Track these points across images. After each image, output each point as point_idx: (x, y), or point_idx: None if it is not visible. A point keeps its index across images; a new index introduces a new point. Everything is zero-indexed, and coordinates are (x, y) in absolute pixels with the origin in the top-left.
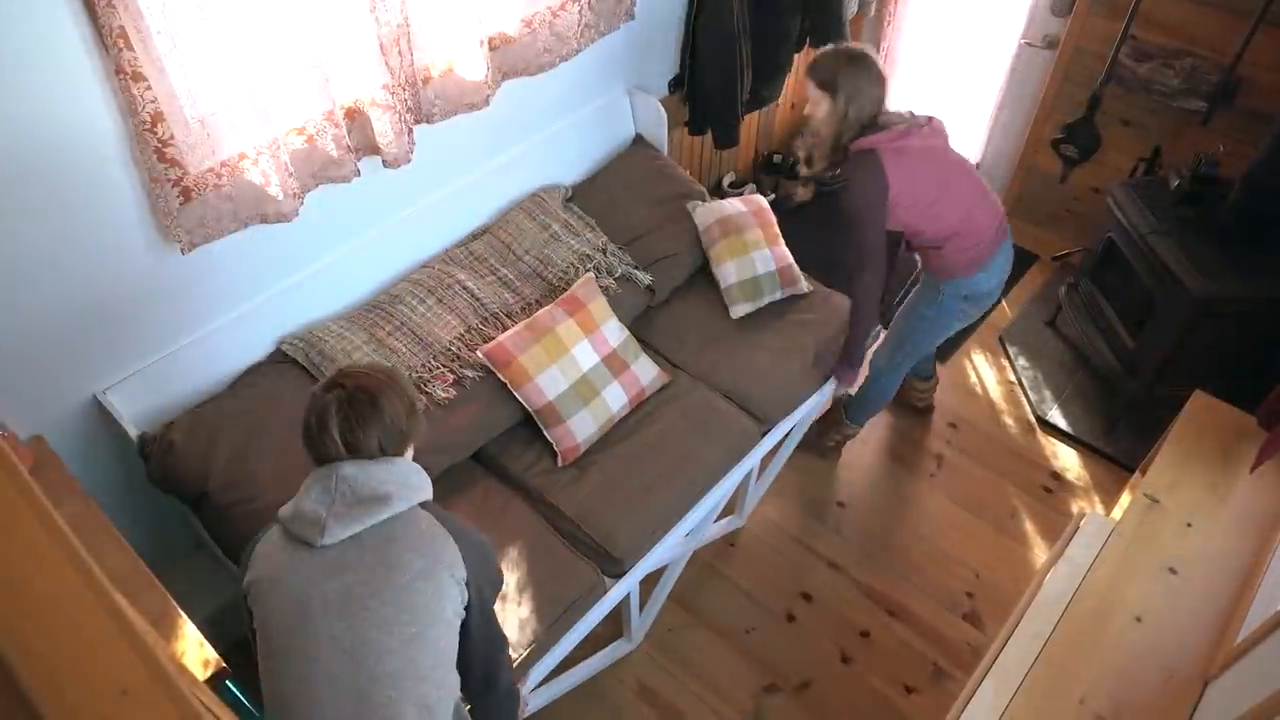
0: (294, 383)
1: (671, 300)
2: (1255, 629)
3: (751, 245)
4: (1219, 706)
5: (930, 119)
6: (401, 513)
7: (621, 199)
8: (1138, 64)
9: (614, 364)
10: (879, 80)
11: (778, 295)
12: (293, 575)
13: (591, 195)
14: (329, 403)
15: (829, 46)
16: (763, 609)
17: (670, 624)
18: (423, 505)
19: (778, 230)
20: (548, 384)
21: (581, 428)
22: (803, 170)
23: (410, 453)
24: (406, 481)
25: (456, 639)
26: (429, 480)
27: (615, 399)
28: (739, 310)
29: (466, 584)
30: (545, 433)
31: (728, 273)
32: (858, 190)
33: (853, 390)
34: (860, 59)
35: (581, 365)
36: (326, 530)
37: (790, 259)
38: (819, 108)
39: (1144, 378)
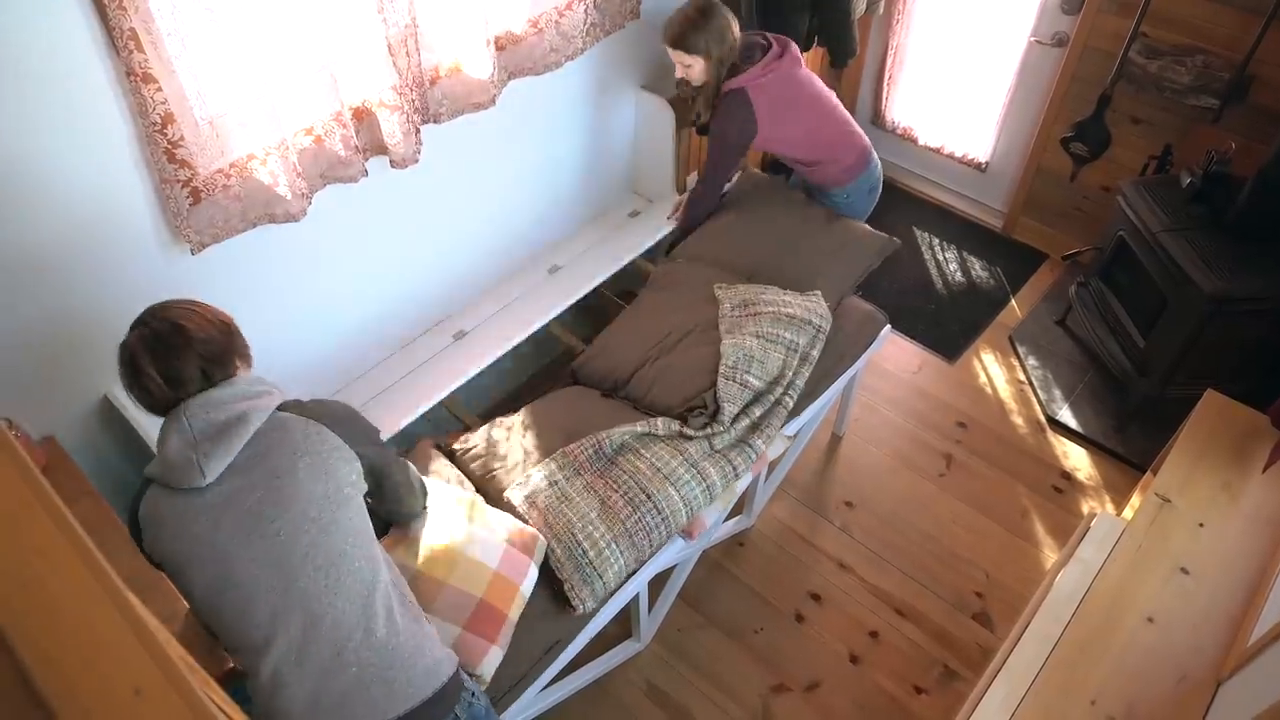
0: None
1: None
2: (1268, 630)
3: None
4: (1231, 708)
5: (784, 48)
6: (264, 423)
7: None
8: (1148, 61)
9: None
10: (731, 20)
11: None
12: (191, 525)
13: None
14: (134, 345)
15: (674, 12)
16: (771, 609)
17: (679, 624)
18: (280, 408)
19: None
20: None
21: None
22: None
23: (247, 369)
24: (251, 392)
25: (364, 509)
26: (274, 383)
27: None
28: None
29: (357, 456)
30: None
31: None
32: (725, 121)
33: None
34: (710, 9)
35: None
36: (205, 469)
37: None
38: (693, 70)
39: (1155, 377)
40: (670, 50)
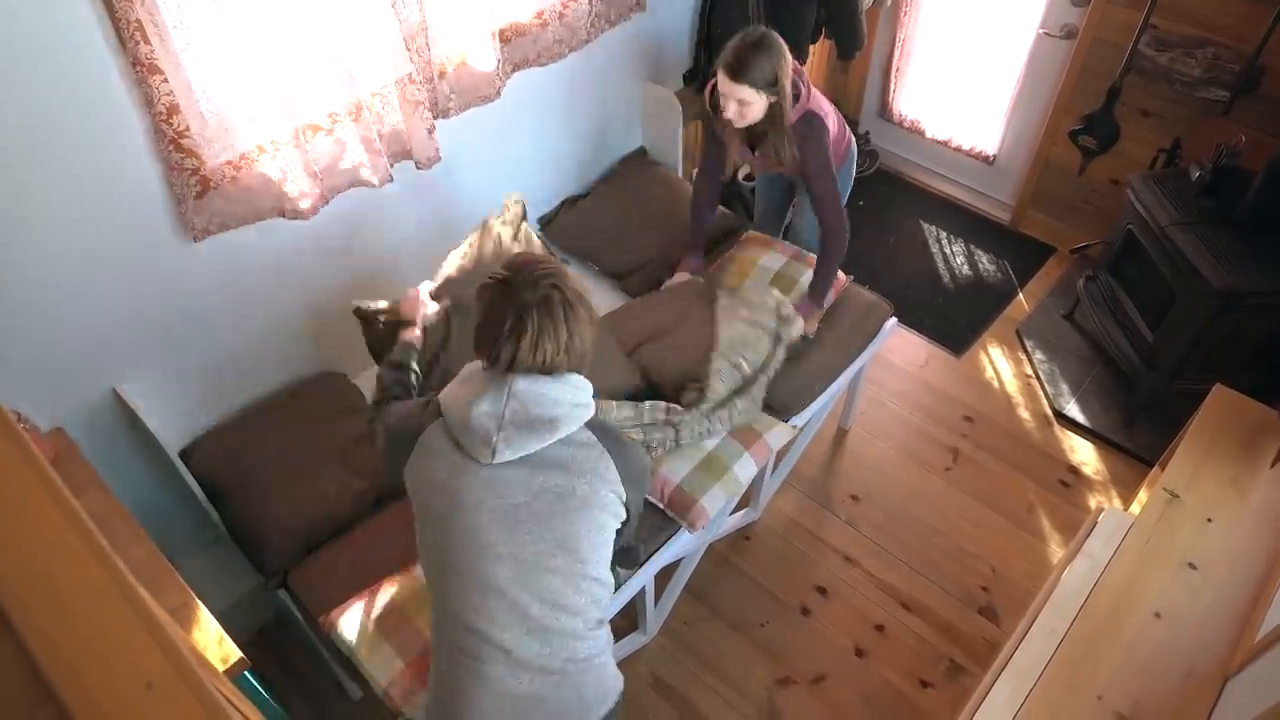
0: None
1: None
2: (1276, 626)
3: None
4: (1239, 703)
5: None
6: (567, 435)
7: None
8: (1158, 53)
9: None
10: (783, 49)
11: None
12: (458, 490)
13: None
14: (528, 307)
15: (731, 43)
16: (777, 602)
17: (685, 617)
18: (588, 423)
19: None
20: None
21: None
22: (781, 167)
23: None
24: (576, 400)
25: (610, 551)
26: (593, 394)
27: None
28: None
29: (626, 503)
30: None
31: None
32: (820, 148)
33: (810, 332)
34: (766, 41)
35: None
36: (496, 452)
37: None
38: (751, 108)
39: (1163, 371)
40: (732, 85)
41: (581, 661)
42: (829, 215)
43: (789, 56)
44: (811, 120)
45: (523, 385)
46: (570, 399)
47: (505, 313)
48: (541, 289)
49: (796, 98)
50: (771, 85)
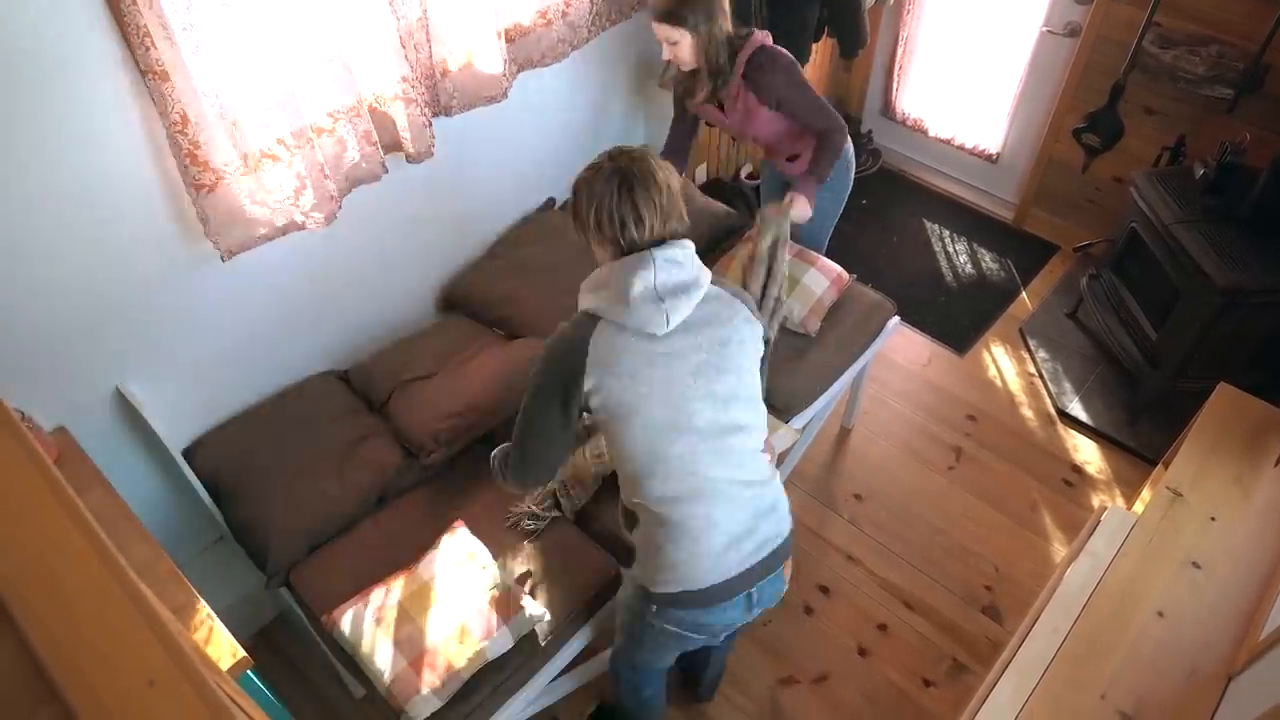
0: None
1: None
2: (1279, 625)
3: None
4: (1242, 703)
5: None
6: (711, 293)
7: None
8: (1162, 51)
9: None
10: (723, 2)
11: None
12: (647, 367)
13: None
14: (628, 182)
15: None
16: (780, 601)
17: None
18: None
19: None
20: None
21: None
22: (692, 105)
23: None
24: (698, 263)
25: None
26: None
27: None
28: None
29: (764, 336)
30: None
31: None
32: (787, 75)
33: (807, 214)
34: None
35: None
36: (670, 318)
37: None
38: (680, 48)
39: (1167, 370)
40: (656, 26)
41: (770, 476)
42: (817, 128)
43: (718, 12)
44: (764, 52)
45: (661, 257)
46: (695, 260)
47: (614, 196)
48: (623, 164)
49: (739, 41)
50: (693, 23)
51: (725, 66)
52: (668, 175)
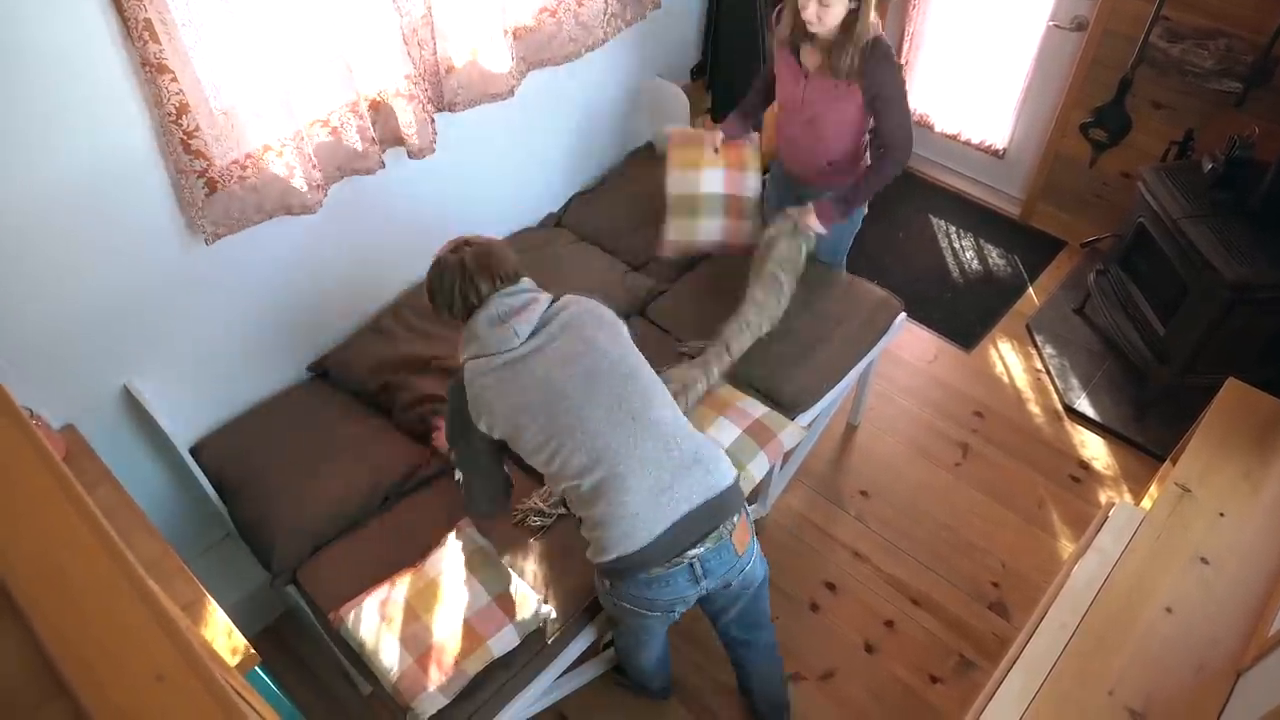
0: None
1: (699, 294)
2: None
3: (704, 163)
4: (1251, 698)
5: None
6: (552, 307)
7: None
8: (1170, 45)
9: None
10: None
11: (716, 225)
12: (520, 378)
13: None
14: (465, 260)
15: None
16: (786, 598)
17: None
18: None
19: (754, 164)
20: None
21: None
22: (841, 69)
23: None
24: (532, 289)
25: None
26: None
27: None
28: (669, 231)
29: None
30: None
31: (669, 183)
32: (892, 71)
33: (825, 229)
34: None
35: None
36: (518, 331)
37: (749, 191)
38: (832, 10)
39: (1175, 365)
40: None
41: (685, 433)
42: (895, 138)
43: None
44: (884, 43)
45: (494, 299)
46: (530, 285)
47: (452, 276)
48: (454, 255)
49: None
50: None
51: (858, 41)
52: (498, 245)
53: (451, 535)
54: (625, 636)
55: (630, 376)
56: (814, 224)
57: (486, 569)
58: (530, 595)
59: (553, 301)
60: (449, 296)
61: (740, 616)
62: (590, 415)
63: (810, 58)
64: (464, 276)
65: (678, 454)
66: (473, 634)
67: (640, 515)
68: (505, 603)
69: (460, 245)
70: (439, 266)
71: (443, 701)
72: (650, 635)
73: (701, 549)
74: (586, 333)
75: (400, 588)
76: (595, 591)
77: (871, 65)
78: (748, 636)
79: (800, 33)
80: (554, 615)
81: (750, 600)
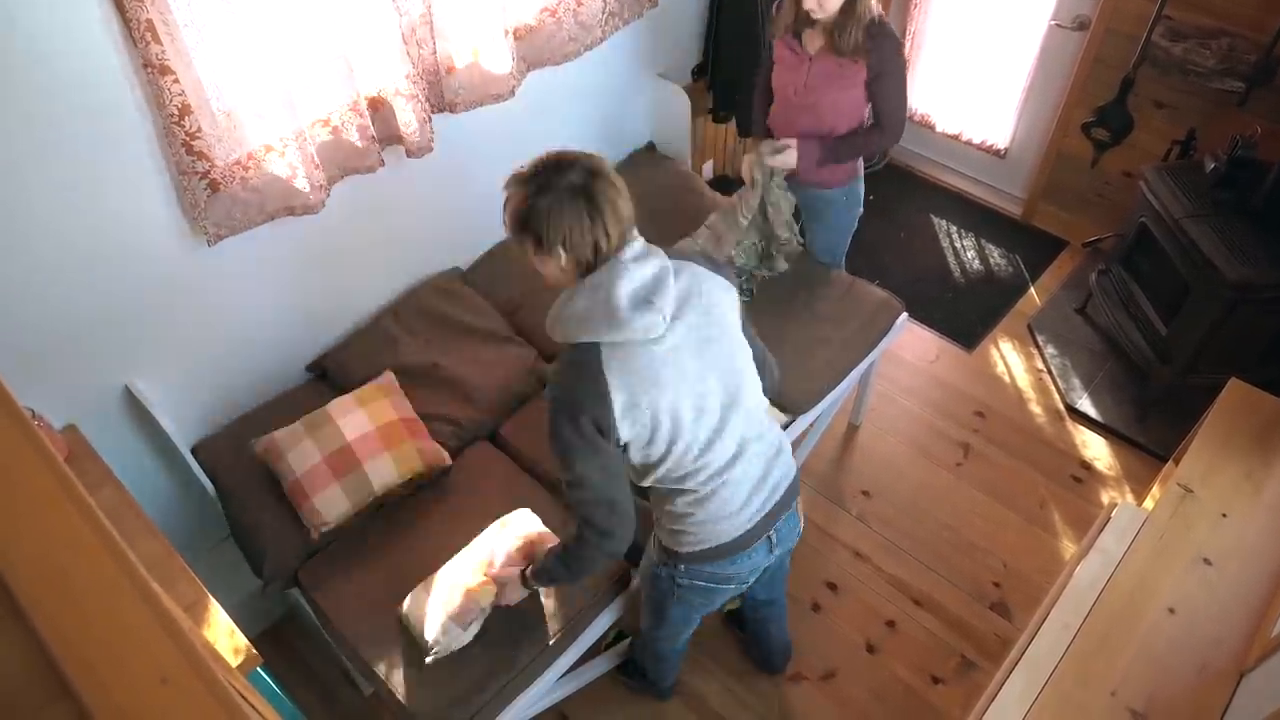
0: None
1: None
2: None
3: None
4: (1254, 699)
5: None
6: (676, 270)
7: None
8: (1172, 44)
9: None
10: None
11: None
12: (662, 371)
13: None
14: (600, 203)
15: None
16: (788, 598)
17: None
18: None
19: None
20: None
21: None
22: (845, 48)
23: None
24: (648, 245)
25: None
26: None
27: None
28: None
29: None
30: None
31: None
32: (895, 48)
33: (792, 164)
34: None
35: None
36: (665, 316)
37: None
38: None
39: (1178, 365)
40: None
41: (771, 420)
42: (891, 119)
43: None
44: (886, 22)
45: (627, 259)
46: (647, 244)
47: (584, 220)
48: (578, 180)
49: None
50: None
51: (860, 19)
52: (615, 177)
53: (509, 515)
54: (672, 623)
55: (743, 357)
56: (789, 159)
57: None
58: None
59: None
60: (576, 234)
61: (772, 578)
62: (714, 422)
63: (813, 41)
64: (594, 210)
65: (767, 443)
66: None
67: (741, 510)
68: (525, 551)
69: (566, 163)
70: (550, 192)
71: (465, 638)
72: (698, 616)
73: (779, 522)
74: (716, 312)
75: (454, 577)
76: (595, 592)
77: (877, 41)
78: (773, 595)
79: (803, 20)
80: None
81: (783, 561)
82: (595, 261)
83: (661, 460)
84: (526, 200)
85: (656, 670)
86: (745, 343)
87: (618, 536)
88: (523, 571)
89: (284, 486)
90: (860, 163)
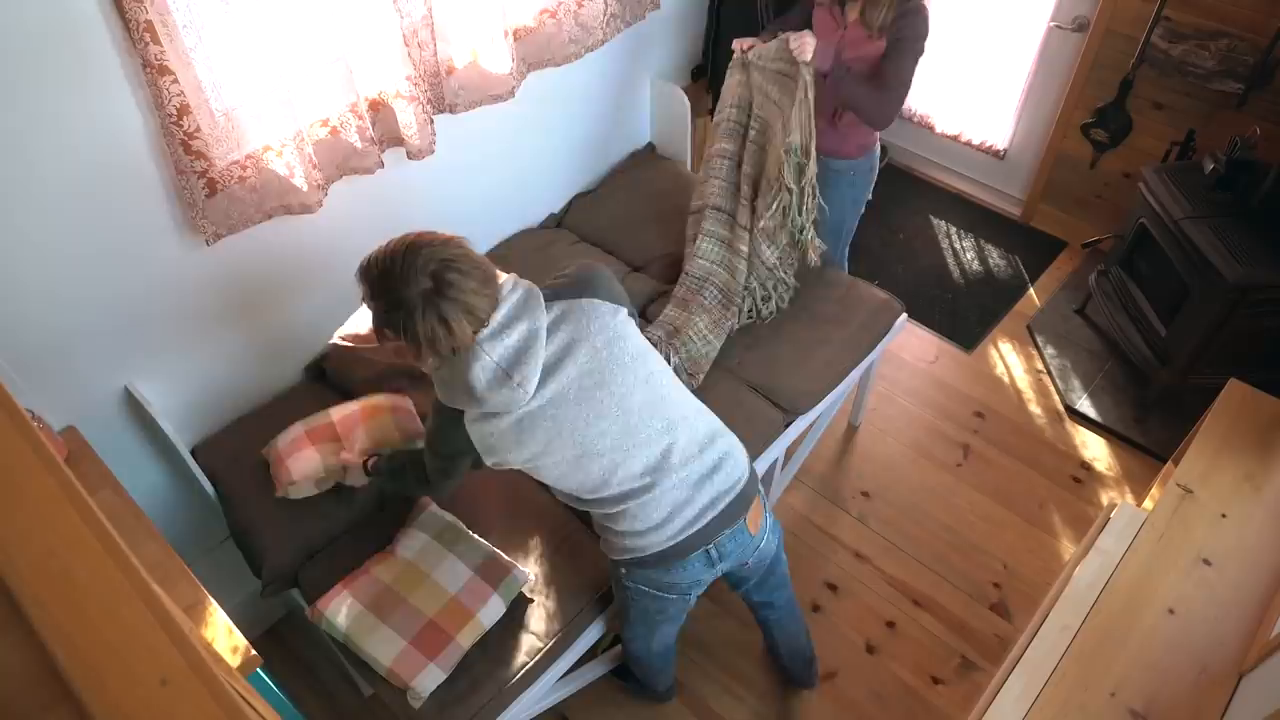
0: None
1: None
2: None
3: None
4: (1253, 700)
5: None
6: (557, 319)
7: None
8: (1171, 45)
9: None
10: None
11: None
12: (535, 433)
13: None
14: (422, 299)
15: None
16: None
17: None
18: (544, 295)
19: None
20: None
21: None
22: (874, 23)
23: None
24: (526, 300)
25: (652, 349)
26: (516, 278)
27: None
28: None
29: (627, 309)
30: None
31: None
32: (921, 30)
33: (807, 56)
34: None
35: None
36: (527, 388)
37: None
38: None
39: (1177, 366)
40: None
41: (708, 438)
42: (888, 79)
43: None
44: (921, 8)
45: (484, 340)
46: (514, 302)
47: (414, 314)
48: (425, 278)
49: None
50: None
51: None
52: (466, 259)
53: (420, 515)
54: (635, 624)
55: (649, 379)
56: (806, 48)
57: (459, 543)
58: (506, 562)
59: (545, 304)
60: (436, 343)
61: (760, 583)
62: (614, 457)
63: (852, 10)
64: (444, 319)
65: (700, 462)
66: (461, 609)
67: (662, 526)
68: (486, 573)
69: (404, 255)
70: (393, 301)
71: (441, 676)
72: (663, 619)
73: (719, 536)
74: (609, 351)
75: (378, 574)
76: (593, 593)
77: (905, 19)
78: (769, 598)
79: None
80: (532, 577)
81: (767, 568)
82: (450, 352)
83: (555, 483)
84: (383, 312)
85: (640, 671)
86: (653, 365)
87: (433, 487)
88: (364, 461)
89: (270, 468)
90: (874, 150)
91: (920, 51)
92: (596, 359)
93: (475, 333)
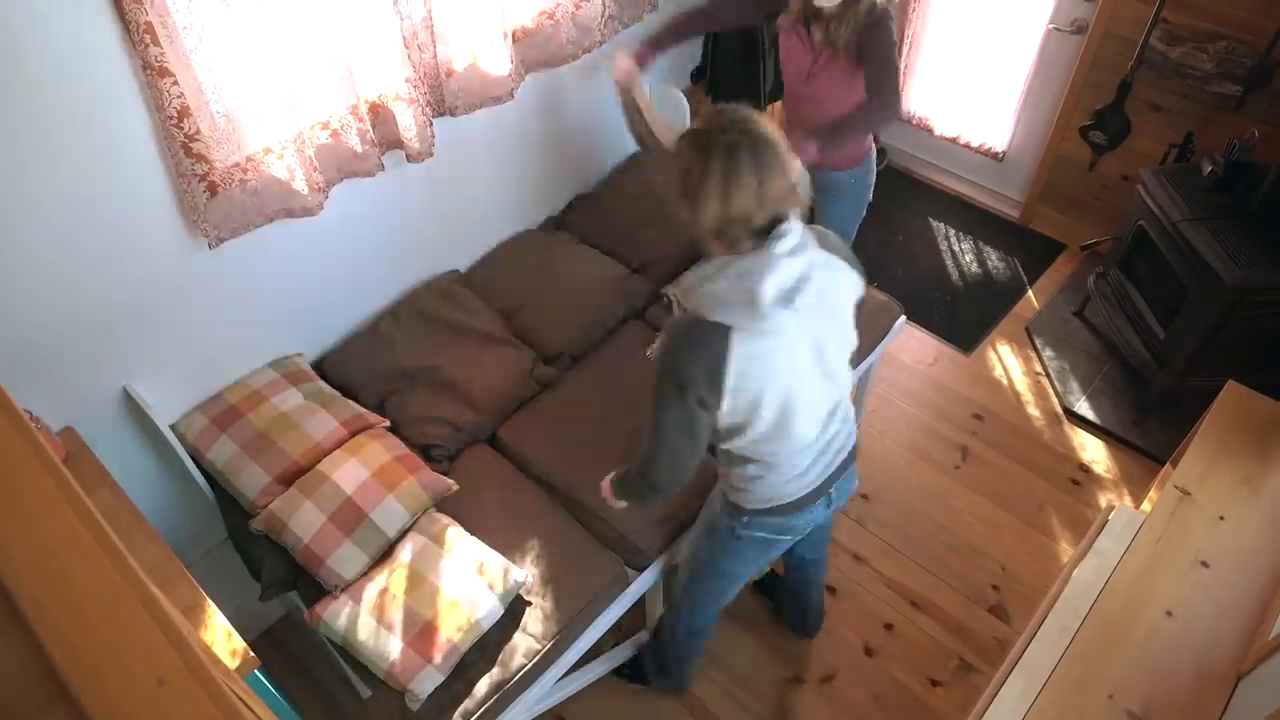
0: None
1: None
2: None
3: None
4: (1251, 702)
5: None
6: (818, 264)
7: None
8: (1169, 48)
9: None
10: None
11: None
12: (774, 361)
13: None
14: (753, 166)
15: None
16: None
17: None
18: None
19: None
20: None
21: None
22: (839, 40)
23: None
24: (800, 234)
25: None
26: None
27: None
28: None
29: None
30: None
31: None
32: (886, 37)
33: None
34: None
35: None
36: (799, 311)
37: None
38: None
39: (1175, 368)
40: None
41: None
42: (876, 86)
43: None
44: (885, 17)
45: (779, 252)
46: (798, 233)
47: (748, 181)
48: (751, 146)
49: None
50: None
51: (857, 15)
52: (777, 149)
53: (422, 519)
54: (720, 579)
55: (845, 355)
56: (620, 63)
57: (457, 545)
58: (502, 563)
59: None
60: (741, 207)
61: (820, 535)
62: (814, 399)
63: (820, 31)
64: (760, 192)
65: (843, 408)
66: (459, 610)
67: (805, 473)
68: (484, 574)
69: (739, 128)
70: (730, 160)
71: (439, 678)
72: (746, 573)
73: (839, 481)
74: (837, 308)
75: (376, 576)
76: (593, 595)
77: (868, 31)
78: (819, 555)
79: (810, 10)
80: (530, 579)
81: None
82: (740, 233)
83: (748, 434)
84: (686, 153)
85: (677, 654)
86: (853, 336)
87: (661, 486)
88: (611, 479)
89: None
90: (871, 152)
91: (895, 60)
92: (832, 314)
93: (769, 230)
